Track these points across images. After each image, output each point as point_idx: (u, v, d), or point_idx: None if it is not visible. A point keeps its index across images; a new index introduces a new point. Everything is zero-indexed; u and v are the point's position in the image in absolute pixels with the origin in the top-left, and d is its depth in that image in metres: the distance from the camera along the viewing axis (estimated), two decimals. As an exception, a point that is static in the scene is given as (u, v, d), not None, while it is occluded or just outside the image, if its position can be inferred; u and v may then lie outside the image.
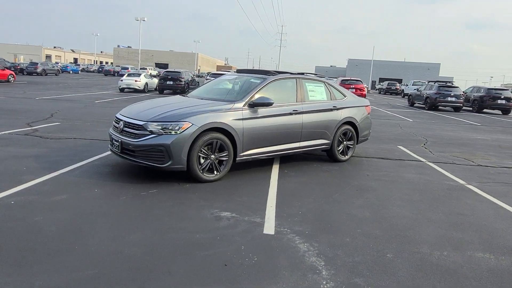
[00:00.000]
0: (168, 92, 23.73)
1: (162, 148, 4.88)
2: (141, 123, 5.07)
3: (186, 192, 4.79)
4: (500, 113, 22.57)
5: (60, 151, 6.55)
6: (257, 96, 5.73)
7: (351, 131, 7.14)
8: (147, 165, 5.03)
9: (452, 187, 5.78)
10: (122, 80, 23.28)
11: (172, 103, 5.77)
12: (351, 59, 72.54)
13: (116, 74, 53.11)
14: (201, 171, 5.15)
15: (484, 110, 22.71)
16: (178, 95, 6.90)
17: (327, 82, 7.07)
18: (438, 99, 21.60)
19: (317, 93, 6.73)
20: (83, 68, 65.17)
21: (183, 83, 22.87)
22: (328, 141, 6.75)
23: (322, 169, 6.46)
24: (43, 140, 7.42)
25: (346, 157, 7.12)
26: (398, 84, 45.29)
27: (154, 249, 3.24)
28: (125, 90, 23.36)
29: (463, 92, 23.50)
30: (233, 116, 5.39)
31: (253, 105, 5.61)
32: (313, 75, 7.06)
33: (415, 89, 26.83)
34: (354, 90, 22.19)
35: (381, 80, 59.67)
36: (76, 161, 5.94)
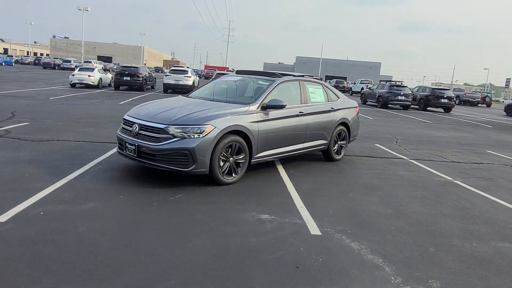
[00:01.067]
0: (124, 89, 22.76)
1: (186, 152, 4.82)
2: (162, 126, 4.95)
3: (213, 196, 4.79)
4: (443, 111, 24.65)
5: (51, 155, 6.15)
6: (268, 98, 5.83)
7: (344, 131, 7.50)
8: (169, 169, 4.93)
9: (444, 183, 6.34)
10: (73, 75, 21.88)
11: (185, 105, 5.68)
12: (299, 57, 74.48)
13: (56, 67, 49.61)
14: (221, 174, 5.16)
15: (429, 108, 24.66)
16: (180, 96, 6.78)
17: (324, 84, 7.36)
18: (389, 98, 23.07)
19: (316, 94, 6.99)
20: (16, 60, 59.93)
21: (141, 79, 22.07)
22: (326, 142, 7.05)
23: (323, 168, 6.74)
24: (24, 143, 6.89)
25: (340, 156, 7.48)
26: (345, 82, 47.39)
27: (221, 255, 3.26)
28: (77, 85, 22.01)
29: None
30: (250, 119, 5.45)
31: (266, 108, 5.71)
32: (310, 77, 7.30)
33: (368, 88, 28.34)
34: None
35: (328, 77, 61.94)
36: (78, 166, 5.63)
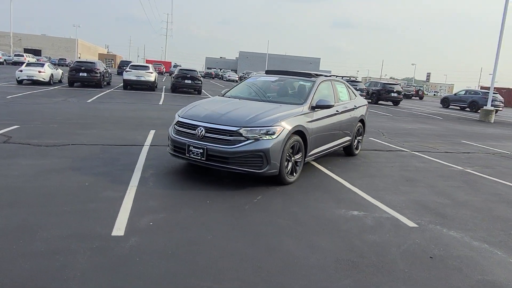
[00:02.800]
0: (77, 85, 21.23)
1: (261, 154, 4.85)
2: (234, 128, 4.91)
3: (289, 195, 4.89)
4: (392, 104, 26.59)
5: (86, 161, 5.75)
6: (315, 98, 6.02)
7: (361, 128, 7.94)
8: (242, 171, 4.92)
9: (461, 172, 7.05)
10: (21, 71, 19.90)
11: (240, 105, 5.64)
12: (242, 52, 74.85)
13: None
14: (287, 174, 5.27)
15: (380, 102, 26.45)
16: (218, 97, 6.65)
17: (346, 83, 7.70)
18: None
19: (343, 93, 7.31)
20: None
21: (98, 75, 20.74)
22: (350, 138, 7.42)
23: (352, 163, 7.10)
24: (40, 149, 6.33)
25: (358, 151, 7.91)
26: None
27: (359, 252, 3.42)
28: (24, 82, 20.08)
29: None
30: (306, 119, 5.61)
31: (315, 107, 5.89)
32: (335, 76, 7.60)
33: None
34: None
35: (269, 72, 63.03)
36: (126, 171, 5.36)
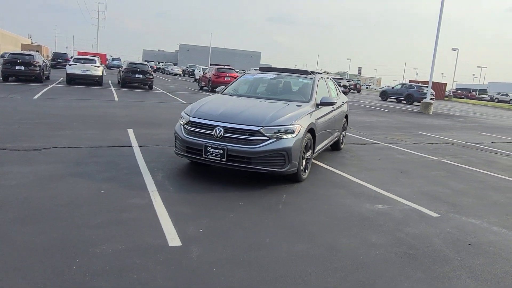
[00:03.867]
0: (13, 80, 19.21)
1: (283, 153, 4.85)
2: (256, 128, 4.83)
3: (311, 192, 4.96)
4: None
5: (83, 166, 5.31)
6: (318, 96, 6.13)
7: (345, 123, 8.26)
8: (265, 171, 4.88)
9: (439, 162, 7.66)
10: None
11: (252, 104, 5.56)
12: (182, 44, 72.95)
13: None
14: (302, 171, 5.33)
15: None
16: (218, 94, 6.46)
17: (333, 80, 7.92)
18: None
19: (332, 90, 7.52)
20: None
21: (38, 68, 18.94)
22: (339, 133, 7.68)
23: (340, 157, 7.37)
24: (23, 154, 5.70)
25: (343, 145, 8.22)
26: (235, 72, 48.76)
27: (420, 248, 3.60)
28: None
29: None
30: (315, 116, 5.71)
31: (319, 105, 6.01)
32: (325, 73, 7.78)
33: None
34: (229, 79, 23.26)
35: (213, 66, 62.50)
36: (134, 175, 5.05)
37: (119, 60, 51.90)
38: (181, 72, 49.72)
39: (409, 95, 30.13)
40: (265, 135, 4.82)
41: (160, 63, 59.40)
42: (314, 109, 5.82)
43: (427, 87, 30.31)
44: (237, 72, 24.60)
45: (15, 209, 3.69)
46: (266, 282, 2.78)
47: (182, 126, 5.32)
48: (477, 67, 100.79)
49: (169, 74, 50.65)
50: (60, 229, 3.35)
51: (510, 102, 58.41)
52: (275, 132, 4.86)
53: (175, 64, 61.40)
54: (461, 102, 49.83)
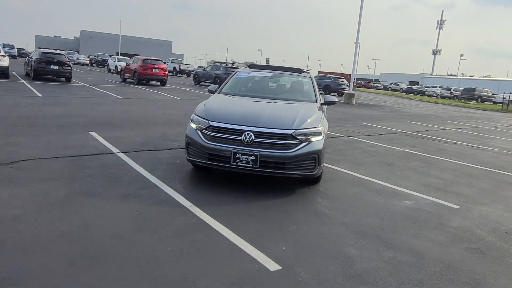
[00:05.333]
0: None
1: (315, 156, 4.76)
2: (288, 132, 4.64)
3: (337, 192, 5.00)
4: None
5: (82, 182, 4.57)
6: (318, 94, 6.15)
7: (321, 118, 8.44)
8: (298, 175, 4.75)
9: (407, 153, 8.31)
10: None
11: (268, 106, 5.33)
12: (84, 31, 66.38)
13: None
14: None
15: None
16: (219, 95, 5.98)
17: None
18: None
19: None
20: None
21: None
22: (321, 129, 7.82)
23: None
24: (10, 171, 4.68)
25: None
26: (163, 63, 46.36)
27: (476, 241, 3.85)
28: None
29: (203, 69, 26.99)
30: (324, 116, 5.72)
31: (323, 104, 6.04)
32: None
33: (202, 69, 29.12)
34: (158, 70, 22.04)
35: (123, 55, 58.37)
36: (150, 188, 4.51)
37: (12, 47, 45.30)
38: (88, 61, 45.37)
39: (327, 86, 32.01)
40: (297, 139, 4.68)
41: (61, 51, 53.11)
42: (321, 109, 5.83)
43: (342, 78, 32.67)
44: (165, 63, 23.36)
45: (61, 250, 3.01)
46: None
47: (199, 132, 4.86)
48: (372, 59, 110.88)
49: (74, 64, 45.78)
50: (144, 268, 2.83)
51: (401, 90, 65.98)
52: (305, 135, 4.74)
53: (78, 52, 55.85)
54: (363, 91, 54.67)
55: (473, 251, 3.61)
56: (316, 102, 5.87)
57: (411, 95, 51.41)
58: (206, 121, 4.84)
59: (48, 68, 18.42)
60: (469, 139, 11.57)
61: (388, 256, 3.34)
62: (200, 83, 27.32)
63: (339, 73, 52.52)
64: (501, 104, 37.40)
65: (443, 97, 48.31)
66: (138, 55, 55.96)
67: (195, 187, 4.76)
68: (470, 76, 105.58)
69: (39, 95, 13.01)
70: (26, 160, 5.25)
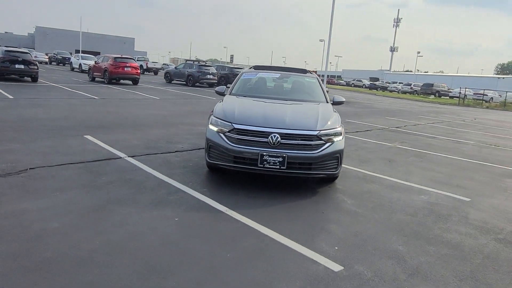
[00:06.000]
0: None
1: (338, 155, 4.88)
2: (314, 133, 4.72)
3: (358, 191, 5.14)
4: (207, 86, 27.95)
5: (106, 190, 4.41)
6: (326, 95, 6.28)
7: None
8: (323, 175, 4.85)
9: (399, 149, 8.65)
10: None
11: (286, 107, 5.36)
12: (40, 27, 62.80)
13: None
14: (336, 171, 5.45)
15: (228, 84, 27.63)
16: (232, 97, 5.89)
17: None
18: (200, 77, 24.47)
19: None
20: None
21: None
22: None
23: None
24: (11, 180, 4.41)
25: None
26: (134, 61, 44.83)
27: (506, 232, 4.12)
28: None
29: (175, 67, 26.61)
30: (336, 116, 5.85)
31: (332, 104, 6.16)
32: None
33: (174, 67, 28.52)
34: (130, 69, 21.38)
35: (84, 52, 55.99)
36: (178, 194, 4.44)
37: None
38: (47, 59, 43.09)
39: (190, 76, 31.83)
40: (322, 139, 4.76)
41: (13, 48, 50.00)
42: (334, 109, 5.95)
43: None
44: (139, 61, 22.67)
45: (123, 262, 2.90)
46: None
47: (222, 134, 4.81)
48: (335, 56, 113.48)
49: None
50: (214, 274, 2.80)
51: (363, 86, 68.10)
52: (328, 136, 4.84)
53: (34, 50, 52.81)
54: (328, 88, 55.89)
55: (502, 241, 3.87)
56: (328, 102, 5.99)
57: (374, 91, 53.13)
58: (230, 123, 4.81)
59: (13, 68, 17.35)
60: (446, 133, 12.22)
61: (432, 251, 3.50)
62: (172, 82, 26.81)
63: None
64: (457, 99, 39.67)
65: (404, 92, 50.44)
66: (99, 53, 54.14)
67: (220, 190, 4.72)
68: (425, 72, 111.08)
69: (10, 96, 12.26)
70: (34, 168, 4.98)
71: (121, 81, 22.09)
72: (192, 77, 24.64)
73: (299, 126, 4.79)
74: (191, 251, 3.13)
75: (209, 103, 15.35)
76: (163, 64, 63.49)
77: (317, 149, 4.70)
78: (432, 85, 47.52)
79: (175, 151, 6.56)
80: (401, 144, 9.30)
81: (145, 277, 2.70)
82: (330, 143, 4.80)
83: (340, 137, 4.96)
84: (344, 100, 6.38)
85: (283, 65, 7.50)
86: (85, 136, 7.14)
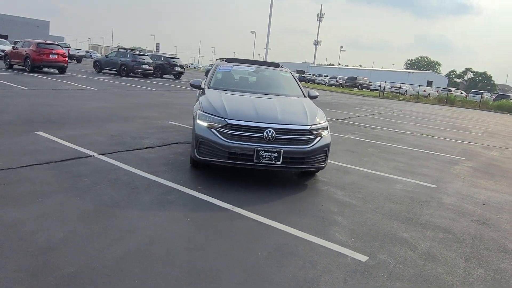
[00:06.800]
0: None
1: (326, 149, 5.04)
2: (306, 128, 4.81)
3: (346, 183, 5.39)
4: (174, 78, 27.37)
5: (94, 192, 4.07)
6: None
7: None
8: (313, 169, 5.00)
9: (357, 141, 9.19)
10: None
11: (272, 102, 5.38)
12: None
13: None
14: (318, 165, 5.64)
15: (164, 75, 26.70)
16: (212, 90, 5.70)
17: None
18: (135, 66, 23.25)
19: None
20: None
21: None
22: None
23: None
24: None
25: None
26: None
27: (483, 218, 4.62)
28: None
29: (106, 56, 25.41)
30: (315, 110, 6.02)
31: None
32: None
33: (105, 55, 26.55)
34: (56, 56, 19.49)
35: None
36: (174, 193, 4.27)
37: None
38: None
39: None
40: (313, 134, 4.89)
41: None
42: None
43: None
44: (62, 47, 20.69)
45: (160, 271, 2.71)
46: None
47: (214, 130, 4.69)
48: (263, 48, 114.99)
49: None
50: (260, 276, 2.75)
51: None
52: (318, 130, 4.98)
53: None
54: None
55: (478, 222, 4.37)
56: (305, 96, 6.14)
57: (303, 83, 55.29)
58: (222, 119, 4.70)
59: None
60: (386, 124, 13.24)
61: (431, 236, 3.84)
62: (103, 71, 25.06)
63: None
64: (377, 91, 43.04)
65: (331, 85, 53.25)
66: (7, 37, 48.48)
67: (214, 187, 4.60)
68: (346, 66, 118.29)
69: None
70: (2, 170, 4.39)
71: (44, 69, 20.08)
72: (126, 66, 23.28)
73: (292, 121, 4.86)
74: (222, 253, 3.04)
75: (154, 96, 14.71)
76: (86, 51, 58.99)
77: (309, 144, 4.82)
78: (355, 78, 50.82)
79: (146, 147, 6.22)
80: (354, 135, 9.88)
81: (192, 283, 2.58)
82: (319, 138, 4.94)
83: (327, 131, 5.14)
84: (318, 94, 6.58)
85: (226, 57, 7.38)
86: (36, 132, 6.43)
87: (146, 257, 2.86)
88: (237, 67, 6.66)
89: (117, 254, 2.86)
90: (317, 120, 5.08)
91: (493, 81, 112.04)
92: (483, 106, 36.10)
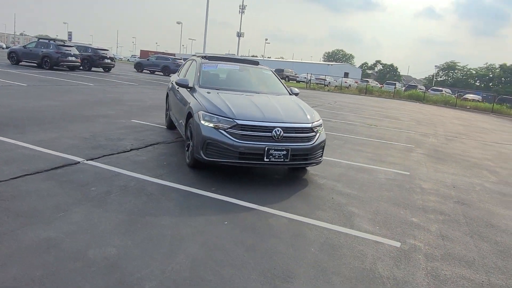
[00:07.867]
0: None
1: (323, 145, 5.35)
2: (309, 125, 5.05)
3: (336, 175, 5.75)
4: (103, 71, 25.64)
5: (115, 201, 3.88)
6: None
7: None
8: (313, 164, 5.27)
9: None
10: None
11: (268, 100, 5.53)
12: None
13: None
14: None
15: (93, 68, 24.84)
16: (204, 89, 5.59)
17: None
18: (60, 59, 21.32)
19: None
20: None
21: None
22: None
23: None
24: None
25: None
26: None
27: (461, 199, 5.28)
28: None
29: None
30: (299, 107, 6.28)
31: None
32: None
33: (22, 46, 23.67)
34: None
35: None
36: (187, 197, 4.25)
37: None
38: None
39: (166, 67, 31.48)
40: (314, 131, 5.16)
41: None
42: None
43: (180, 59, 32.69)
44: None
45: (241, 277, 2.74)
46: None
47: (223, 131, 4.70)
48: (189, 39, 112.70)
49: None
50: (325, 274, 2.93)
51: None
52: (317, 127, 5.25)
53: None
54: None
55: (459, 204, 5.04)
56: (291, 94, 6.36)
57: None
58: (231, 119, 4.73)
59: None
60: (332, 116, 14.08)
61: (434, 218, 4.36)
62: (20, 63, 22.51)
63: (163, 52, 51.76)
64: (303, 83, 45.10)
65: (258, 77, 54.23)
66: None
67: (227, 187, 4.62)
68: (268, 57, 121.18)
69: None
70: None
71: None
72: (49, 58, 21.20)
73: (295, 120, 5.07)
74: (279, 252, 3.16)
75: (96, 92, 13.75)
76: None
77: (311, 141, 5.08)
78: (282, 70, 52.41)
79: (130, 150, 5.94)
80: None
81: (271, 284, 2.67)
82: (318, 134, 5.23)
83: (322, 128, 5.44)
84: (299, 91, 6.85)
85: (199, 53, 7.37)
86: (0, 138, 5.75)
87: (214, 262, 2.87)
88: (221, 65, 6.63)
89: (186, 265, 2.82)
90: (315, 117, 5.35)
91: (399, 72, 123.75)
92: (396, 95, 39.91)
